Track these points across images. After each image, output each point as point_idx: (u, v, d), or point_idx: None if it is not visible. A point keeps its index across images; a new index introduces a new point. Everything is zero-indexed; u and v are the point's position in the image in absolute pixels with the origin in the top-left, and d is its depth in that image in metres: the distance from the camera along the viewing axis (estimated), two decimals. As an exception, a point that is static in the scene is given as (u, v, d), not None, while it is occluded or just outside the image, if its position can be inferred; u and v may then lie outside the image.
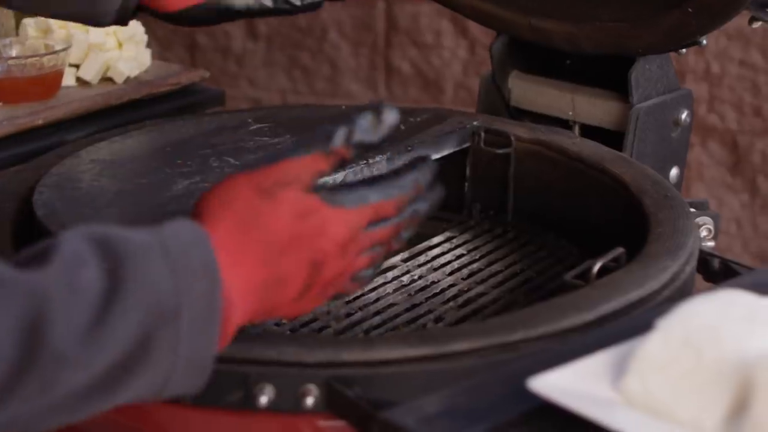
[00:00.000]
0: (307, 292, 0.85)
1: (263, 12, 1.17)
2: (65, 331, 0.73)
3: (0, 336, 0.71)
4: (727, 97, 2.08)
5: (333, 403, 0.87)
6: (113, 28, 1.47)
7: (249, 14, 1.17)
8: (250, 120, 1.30)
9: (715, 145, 2.11)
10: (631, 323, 0.90)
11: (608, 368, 0.79)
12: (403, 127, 1.28)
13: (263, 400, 0.87)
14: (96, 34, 1.48)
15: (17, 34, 1.49)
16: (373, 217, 0.86)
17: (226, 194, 0.83)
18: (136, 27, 1.53)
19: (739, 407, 0.74)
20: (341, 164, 0.87)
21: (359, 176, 1.09)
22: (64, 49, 1.44)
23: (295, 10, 1.18)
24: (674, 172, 1.37)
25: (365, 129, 0.86)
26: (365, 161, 1.19)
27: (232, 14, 1.16)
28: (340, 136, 0.86)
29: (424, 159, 0.90)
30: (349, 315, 1.13)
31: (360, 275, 0.88)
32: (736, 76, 2.06)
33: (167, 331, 0.76)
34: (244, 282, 0.81)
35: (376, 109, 0.87)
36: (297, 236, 0.83)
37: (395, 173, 0.89)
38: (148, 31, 1.57)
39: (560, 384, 0.77)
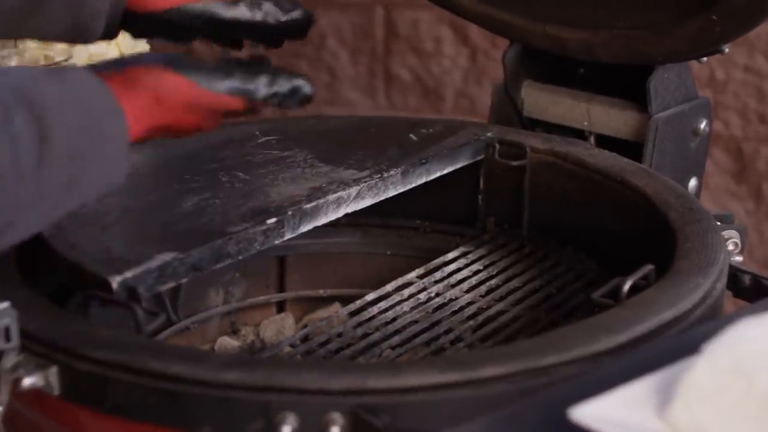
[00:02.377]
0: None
1: (248, 24, 1.12)
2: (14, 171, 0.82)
3: None
4: (731, 103, 2.05)
5: (359, 433, 0.83)
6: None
7: (232, 25, 1.11)
8: (257, 133, 1.26)
9: (720, 153, 2.08)
10: (667, 345, 0.86)
11: (652, 396, 0.75)
12: (415, 139, 1.25)
13: (286, 429, 0.83)
14: (97, 44, 1.43)
15: (16, 45, 1.45)
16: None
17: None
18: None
19: (795, 438, 0.70)
20: None
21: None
22: (64, 60, 1.40)
23: (278, 26, 1.12)
24: (693, 183, 1.33)
25: None
26: (379, 175, 1.15)
27: (214, 22, 1.10)
28: None
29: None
30: (365, 335, 1.09)
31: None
32: (741, 82, 2.03)
33: (93, 157, 0.88)
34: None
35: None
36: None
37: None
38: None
39: (603, 413, 0.73)
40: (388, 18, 2.20)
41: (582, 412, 0.73)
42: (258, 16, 1.11)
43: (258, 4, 1.11)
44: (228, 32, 1.12)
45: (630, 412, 0.74)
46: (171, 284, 0.98)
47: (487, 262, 1.24)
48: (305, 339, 1.12)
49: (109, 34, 1.11)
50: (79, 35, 1.10)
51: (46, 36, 1.14)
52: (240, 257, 1.03)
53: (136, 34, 1.14)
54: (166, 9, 1.09)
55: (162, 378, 0.86)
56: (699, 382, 0.73)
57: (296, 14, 1.12)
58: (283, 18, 1.12)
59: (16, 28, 1.10)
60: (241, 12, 1.11)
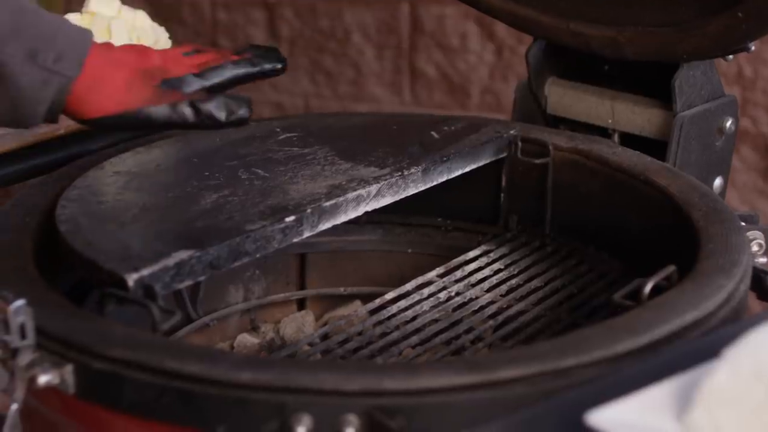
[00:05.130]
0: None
1: (185, 126, 1.10)
2: None
3: None
4: (760, 100, 2.03)
5: (374, 435, 0.82)
6: (137, 33, 1.43)
7: (168, 127, 1.10)
8: (278, 129, 1.26)
9: (748, 150, 2.06)
10: (690, 348, 0.85)
11: (671, 400, 0.74)
12: (437, 136, 1.24)
13: (300, 430, 0.82)
14: (119, 40, 1.43)
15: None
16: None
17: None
18: (159, 32, 1.48)
19: (816, 445, 0.69)
20: None
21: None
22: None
23: (219, 125, 1.10)
24: (718, 182, 1.32)
25: None
26: (399, 173, 1.14)
27: (151, 125, 1.09)
28: None
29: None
30: (385, 334, 1.09)
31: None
32: (770, 79, 2.01)
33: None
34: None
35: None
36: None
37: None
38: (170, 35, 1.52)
39: (621, 418, 0.72)
40: (414, 13, 2.19)
41: (599, 417, 0.72)
42: (198, 118, 1.09)
43: (198, 107, 1.09)
44: (161, 130, 1.14)
45: (648, 416, 0.73)
46: (188, 282, 0.97)
47: (509, 261, 1.23)
48: (324, 337, 1.11)
49: (51, 122, 1.10)
50: (17, 125, 1.09)
51: None
52: (258, 255, 1.02)
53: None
54: (100, 117, 1.08)
55: (177, 377, 0.85)
56: (719, 387, 0.72)
57: (241, 113, 1.10)
58: (225, 120, 1.10)
59: None
60: (180, 115, 1.09)
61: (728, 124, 1.30)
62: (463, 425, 0.82)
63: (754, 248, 1.10)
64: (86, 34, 1.07)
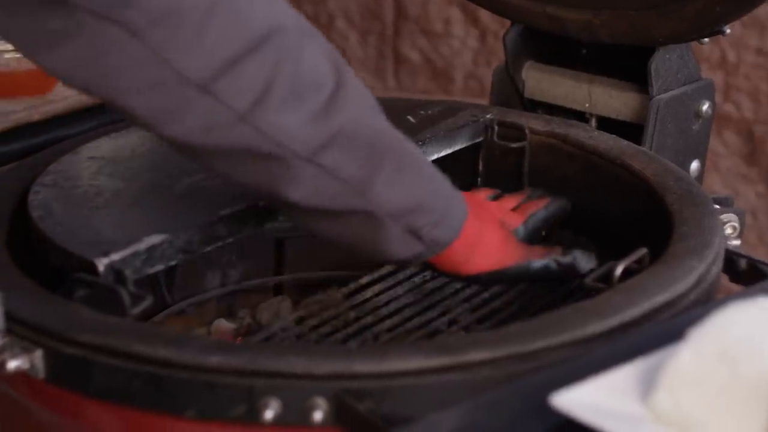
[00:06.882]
0: None
1: (550, 278, 1.11)
2: None
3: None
4: (743, 85, 2.03)
5: (342, 418, 0.82)
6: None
7: (536, 279, 1.11)
8: (255, 114, 1.25)
9: (731, 135, 2.06)
10: (657, 330, 0.85)
11: (636, 382, 0.74)
12: (414, 121, 1.24)
13: (269, 414, 0.82)
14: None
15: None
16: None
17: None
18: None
19: (779, 426, 0.69)
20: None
21: None
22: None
23: (579, 276, 1.09)
24: (695, 165, 1.32)
25: None
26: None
27: (522, 279, 1.11)
28: None
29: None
30: (358, 318, 1.08)
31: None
32: (752, 64, 2.01)
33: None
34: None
35: None
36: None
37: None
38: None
39: (585, 400, 0.72)
40: (398, -1, 2.19)
41: (564, 398, 0.72)
42: (560, 270, 1.10)
43: (560, 262, 1.10)
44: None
45: (613, 398, 0.73)
46: (160, 267, 0.97)
47: (485, 245, 1.22)
48: (299, 322, 1.11)
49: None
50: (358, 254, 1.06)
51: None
52: (231, 239, 1.02)
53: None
54: (475, 274, 1.08)
55: (145, 362, 0.85)
56: (683, 368, 0.72)
57: (592, 265, 1.10)
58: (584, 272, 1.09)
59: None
60: (548, 270, 1.10)
61: (705, 107, 1.30)
62: (433, 407, 0.82)
63: (728, 231, 1.10)
64: (463, 207, 1.05)
